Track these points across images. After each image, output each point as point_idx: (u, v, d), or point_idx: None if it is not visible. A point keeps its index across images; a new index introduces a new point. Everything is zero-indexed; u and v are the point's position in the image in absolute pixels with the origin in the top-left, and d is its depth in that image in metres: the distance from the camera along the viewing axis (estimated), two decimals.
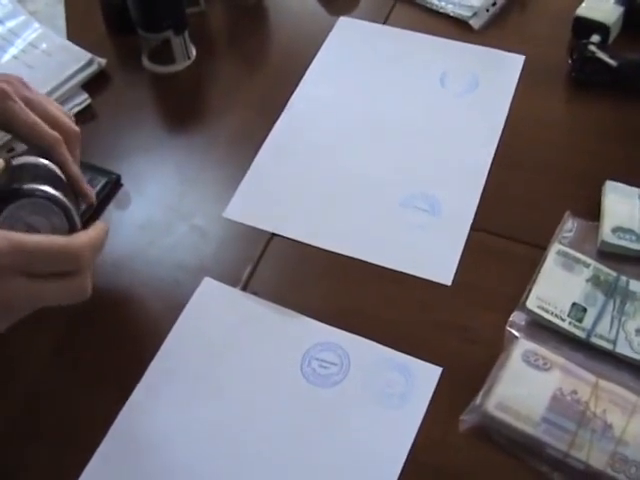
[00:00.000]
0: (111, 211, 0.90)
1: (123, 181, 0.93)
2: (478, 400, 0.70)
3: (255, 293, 0.81)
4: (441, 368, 0.74)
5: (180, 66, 1.04)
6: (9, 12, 1.10)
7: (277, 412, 0.72)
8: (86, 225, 0.87)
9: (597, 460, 0.66)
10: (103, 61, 1.04)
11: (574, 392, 0.69)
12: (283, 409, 0.72)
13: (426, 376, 0.73)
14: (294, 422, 0.72)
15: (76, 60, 1.02)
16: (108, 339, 0.80)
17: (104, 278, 0.84)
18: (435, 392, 0.73)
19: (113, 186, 0.92)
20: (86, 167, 0.91)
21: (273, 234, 0.86)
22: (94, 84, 1.02)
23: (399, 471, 0.68)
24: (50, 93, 0.98)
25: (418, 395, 0.72)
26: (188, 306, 0.80)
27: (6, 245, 0.58)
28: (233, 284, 0.82)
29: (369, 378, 0.74)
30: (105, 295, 0.83)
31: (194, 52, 1.05)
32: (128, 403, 0.74)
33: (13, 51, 1.04)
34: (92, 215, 0.88)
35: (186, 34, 1.02)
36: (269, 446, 0.70)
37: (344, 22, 1.09)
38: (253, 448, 0.70)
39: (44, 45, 1.05)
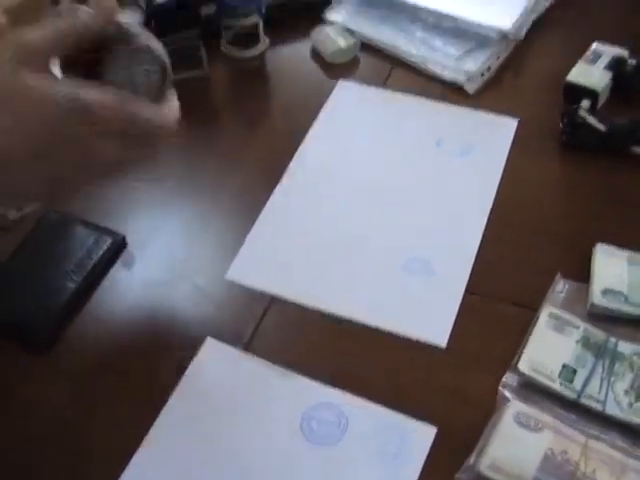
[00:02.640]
0: (117, 270, 0.93)
1: (128, 241, 0.95)
2: (472, 460, 0.72)
3: (256, 354, 0.84)
4: (436, 428, 0.76)
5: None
6: None
7: (277, 470, 0.75)
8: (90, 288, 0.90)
9: None
10: None
11: (564, 452, 0.71)
12: (283, 467, 0.75)
13: (421, 435, 0.76)
14: (293, 478, 0.74)
15: None
16: (111, 398, 0.82)
17: (109, 336, 0.87)
18: (430, 451, 0.75)
19: (118, 246, 0.95)
20: (92, 227, 0.96)
21: (273, 296, 0.89)
22: None
23: None
24: None
25: (414, 454, 0.75)
26: (191, 366, 0.83)
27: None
28: (235, 344, 0.85)
29: (366, 437, 0.76)
30: (110, 353, 0.86)
31: None
32: (131, 462, 0.76)
33: None
34: (99, 273, 0.92)
35: None
36: None
37: (344, 85, 1.13)
38: None
39: None
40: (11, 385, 0.84)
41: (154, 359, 0.85)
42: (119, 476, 0.75)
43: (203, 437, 0.78)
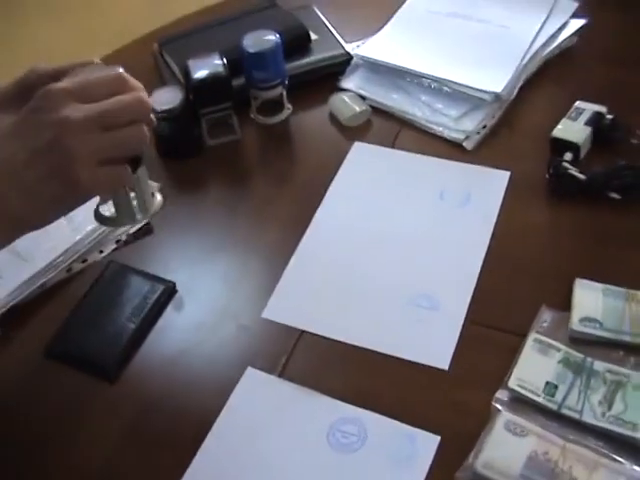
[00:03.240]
0: (169, 313, 1.06)
1: (178, 288, 1.08)
2: (469, 461, 0.85)
3: (289, 379, 0.97)
4: (439, 436, 0.89)
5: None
6: None
7: (309, 473, 0.89)
8: (146, 328, 1.03)
9: None
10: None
11: (546, 453, 0.84)
12: (312, 472, 0.89)
13: (428, 443, 0.89)
14: None
15: None
16: (166, 421, 0.95)
17: (164, 370, 1.00)
18: (435, 455, 0.88)
19: (170, 292, 1.07)
20: (147, 276, 1.08)
21: (303, 331, 1.01)
22: None
23: None
24: None
25: (421, 458, 0.88)
26: (235, 391, 0.96)
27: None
28: (271, 372, 0.97)
29: (382, 445, 0.90)
30: (165, 384, 0.99)
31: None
32: (184, 477, 0.90)
33: None
34: (154, 316, 1.05)
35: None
36: None
37: (358, 146, 1.26)
38: None
39: None
40: (82, 410, 0.98)
41: (202, 387, 0.98)
42: None
43: (246, 448, 0.92)
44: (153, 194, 0.89)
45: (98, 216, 0.87)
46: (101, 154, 0.76)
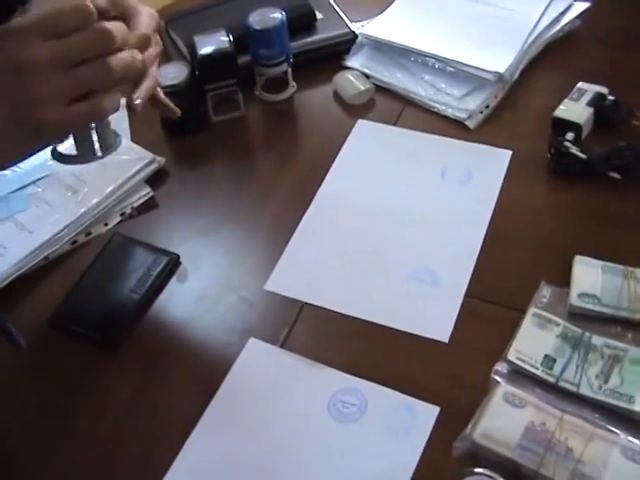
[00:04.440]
0: (172, 285, 1.07)
1: (182, 260, 1.09)
2: (467, 431, 0.86)
3: (291, 350, 0.98)
4: (439, 407, 0.90)
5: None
6: None
7: (309, 443, 0.90)
8: (150, 299, 1.05)
9: (561, 476, 0.82)
10: (162, 160, 1.22)
11: (543, 424, 0.85)
12: (314, 440, 0.90)
13: (427, 413, 0.90)
14: (323, 450, 0.90)
15: (140, 159, 1.19)
16: (170, 389, 0.97)
17: (168, 341, 1.02)
18: (434, 426, 0.89)
19: (174, 264, 1.09)
20: (151, 248, 1.10)
21: (305, 303, 1.03)
22: (155, 179, 1.20)
23: None
24: (119, 187, 1.16)
25: (421, 428, 0.89)
26: (237, 361, 0.98)
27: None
28: (273, 343, 0.99)
29: (382, 415, 0.91)
30: (169, 354, 1.00)
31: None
32: (190, 438, 0.92)
33: None
34: (158, 287, 1.06)
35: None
36: (303, 467, 0.89)
37: (362, 124, 1.27)
38: (292, 470, 0.89)
39: None
40: (85, 380, 0.99)
41: (205, 357, 1.00)
42: (177, 453, 0.91)
43: (248, 417, 0.93)
44: (115, 133, 0.86)
45: (55, 154, 0.84)
46: (67, 93, 0.74)
